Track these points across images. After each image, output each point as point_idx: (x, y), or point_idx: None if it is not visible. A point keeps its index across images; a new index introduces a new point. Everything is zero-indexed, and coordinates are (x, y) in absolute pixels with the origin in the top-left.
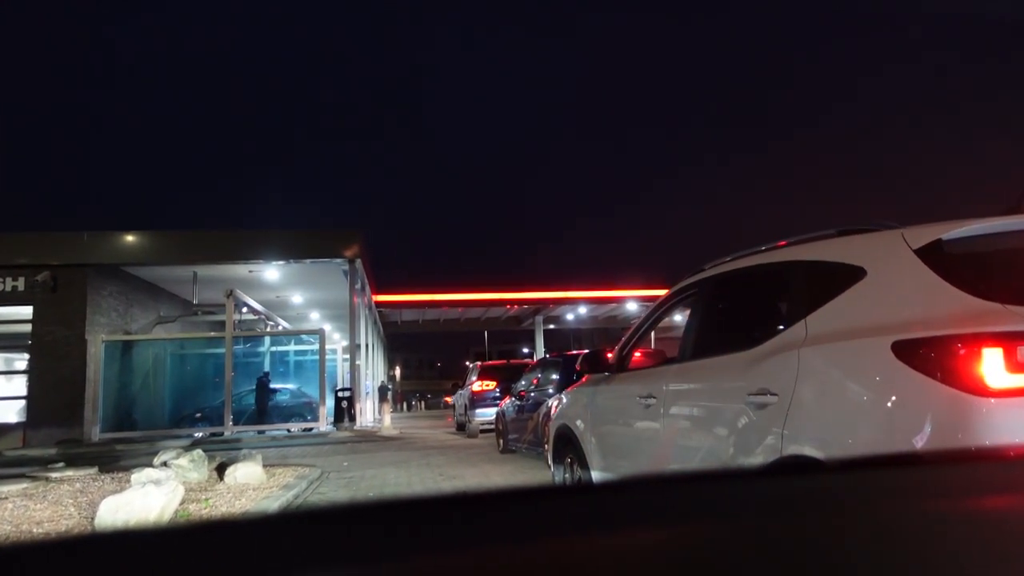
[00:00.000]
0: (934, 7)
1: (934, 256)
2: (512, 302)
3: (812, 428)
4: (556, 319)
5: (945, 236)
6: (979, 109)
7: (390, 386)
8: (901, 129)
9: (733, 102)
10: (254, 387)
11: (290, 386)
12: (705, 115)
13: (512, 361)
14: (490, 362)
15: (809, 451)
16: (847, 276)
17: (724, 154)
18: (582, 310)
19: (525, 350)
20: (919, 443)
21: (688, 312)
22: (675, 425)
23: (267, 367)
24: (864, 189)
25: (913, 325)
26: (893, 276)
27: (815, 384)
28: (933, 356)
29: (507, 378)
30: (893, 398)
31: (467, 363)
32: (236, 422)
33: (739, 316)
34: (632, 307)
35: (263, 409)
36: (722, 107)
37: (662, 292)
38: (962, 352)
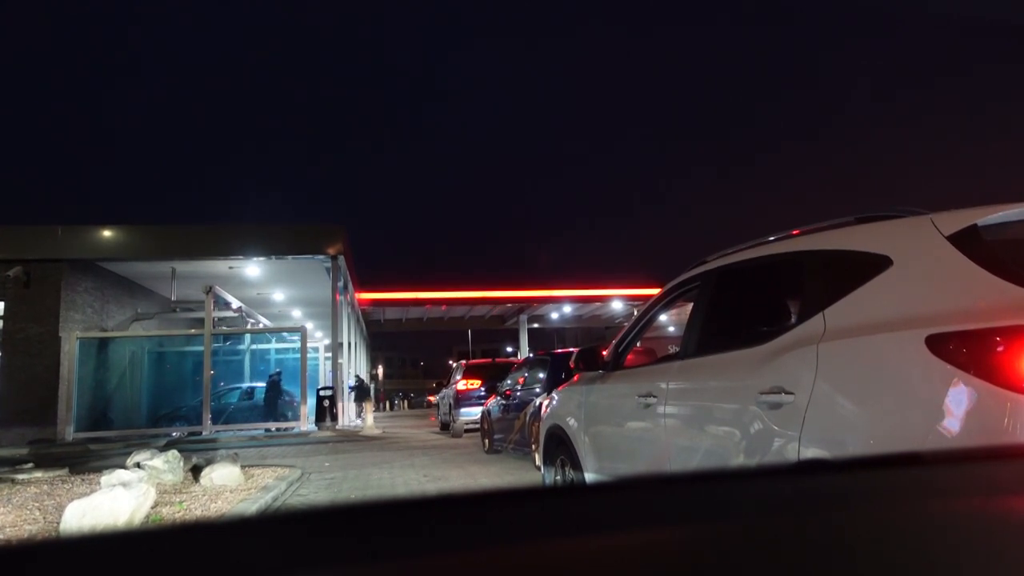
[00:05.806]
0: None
1: (970, 243)
2: (496, 300)
3: (833, 429)
4: (540, 318)
5: (980, 222)
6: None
7: (370, 384)
8: (888, 132)
9: (716, 109)
10: (265, 384)
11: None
12: (691, 121)
13: (498, 360)
14: (475, 360)
15: (829, 453)
16: (870, 266)
17: (710, 159)
18: (567, 309)
19: (509, 349)
20: (957, 444)
21: (691, 307)
22: (677, 425)
23: (247, 365)
24: (851, 193)
25: (949, 317)
26: (923, 265)
27: (837, 381)
28: (974, 351)
29: (492, 377)
30: (927, 396)
31: (451, 362)
32: (215, 421)
33: (748, 310)
34: (617, 306)
35: (272, 408)
36: (708, 113)
37: (647, 291)
38: (1008, 346)
